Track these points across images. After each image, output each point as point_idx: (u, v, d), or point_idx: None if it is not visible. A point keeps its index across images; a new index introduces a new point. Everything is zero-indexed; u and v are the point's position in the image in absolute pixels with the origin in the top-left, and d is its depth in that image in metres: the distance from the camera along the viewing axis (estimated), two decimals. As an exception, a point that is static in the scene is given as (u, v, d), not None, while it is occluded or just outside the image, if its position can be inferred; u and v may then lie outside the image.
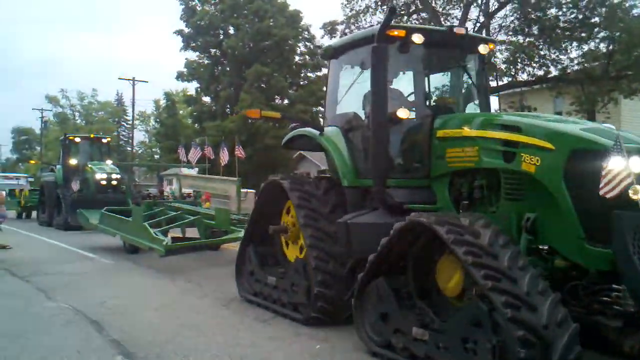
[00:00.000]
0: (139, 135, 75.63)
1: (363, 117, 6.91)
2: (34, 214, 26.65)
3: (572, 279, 4.79)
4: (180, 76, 40.49)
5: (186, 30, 40.11)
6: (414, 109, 6.85)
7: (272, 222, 7.67)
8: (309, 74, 39.92)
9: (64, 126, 73.33)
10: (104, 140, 25.44)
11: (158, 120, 48.34)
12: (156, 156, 67.54)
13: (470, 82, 7.17)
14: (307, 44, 39.40)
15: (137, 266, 11.38)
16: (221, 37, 39.62)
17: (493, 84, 25.55)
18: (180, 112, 47.27)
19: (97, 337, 6.20)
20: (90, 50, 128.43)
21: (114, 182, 21.39)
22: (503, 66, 23.67)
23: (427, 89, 7.06)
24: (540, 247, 5.10)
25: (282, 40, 37.48)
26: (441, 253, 5.03)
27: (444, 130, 6.00)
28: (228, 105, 39.45)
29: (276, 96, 38.58)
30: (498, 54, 24.16)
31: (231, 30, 40.10)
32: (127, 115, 78.64)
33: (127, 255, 12.71)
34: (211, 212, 12.25)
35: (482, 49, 6.75)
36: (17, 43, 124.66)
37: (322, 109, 39.99)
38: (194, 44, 40.11)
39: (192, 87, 50.21)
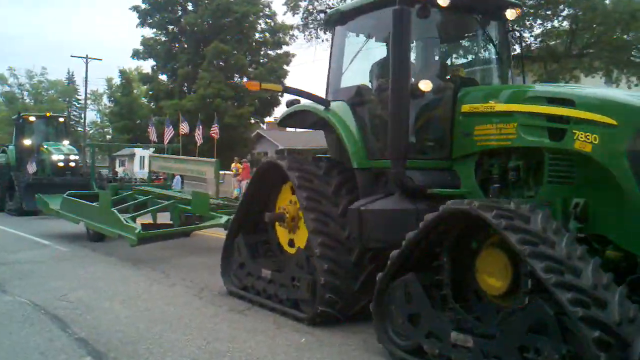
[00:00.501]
0: (91, 115, 73.40)
1: (373, 89, 6.31)
2: None
3: (624, 272, 4.15)
4: (136, 54, 39.13)
5: (143, 6, 38.64)
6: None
7: (266, 209, 7.01)
8: (269, 52, 39.09)
9: (12, 106, 70.28)
10: (60, 119, 23.94)
11: (112, 99, 46.76)
12: (108, 136, 65.66)
13: (491, 51, 6.57)
14: (268, 20, 38.51)
15: (97, 254, 10.74)
16: (179, 14, 38.34)
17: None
18: (135, 91, 45.81)
19: (61, 335, 5.65)
20: (40, 27, 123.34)
21: (72, 164, 20.27)
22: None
23: (445, 59, 6.48)
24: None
25: (243, 17, 36.51)
26: (482, 244, 4.45)
27: (471, 105, 5.39)
28: (185, 84, 38.34)
29: (235, 74, 37.69)
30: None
31: (190, 7, 38.86)
32: (78, 95, 76.16)
33: (85, 243, 12.02)
34: (186, 196, 11.35)
35: (509, 14, 6.10)
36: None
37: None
38: (150, 21, 38.72)
39: (147, 65, 48.82)
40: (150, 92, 38.69)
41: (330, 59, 6.84)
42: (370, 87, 6.37)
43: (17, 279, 8.38)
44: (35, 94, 72.92)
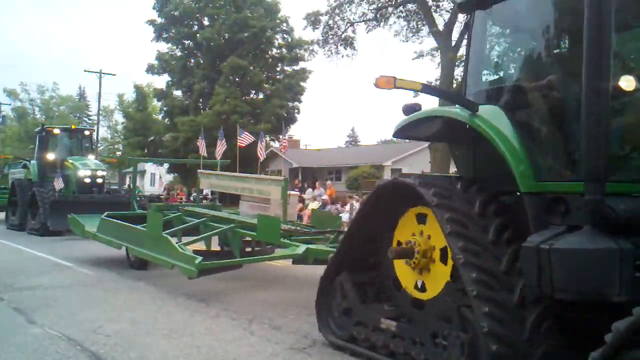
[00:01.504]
0: (101, 132, 72.97)
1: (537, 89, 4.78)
2: (0, 215, 24.05)
3: None
4: (150, 69, 38.62)
5: (159, 20, 38.25)
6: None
7: (378, 241, 5.74)
8: (285, 68, 38.55)
9: (22, 121, 70.15)
10: (86, 132, 22.39)
11: (124, 115, 46.27)
12: (118, 152, 65.22)
13: None
14: (285, 36, 38.01)
15: (124, 278, 9.95)
16: (195, 28, 37.89)
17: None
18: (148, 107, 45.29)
19: (105, 380, 4.89)
20: (53, 43, 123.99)
21: (99, 181, 18.87)
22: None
23: None
24: None
25: (261, 32, 36.01)
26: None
27: None
28: (201, 100, 37.79)
29: (252, 90, 37.12)
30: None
31: (206, 22, 38.43)
32: (89, 111, 75.85)
33: (109, 265, 11.26)
34: (249, 220, 9.57)
35: None
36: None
37: (298, 104, 38.27)
38: (166, 35, 38.28)
39: (162, 81, 48.40)
40: (165, 108, 38.13)
41: (468, 53, 5.57)
42: (531, 85, 4.84)
43: (44, 306, 7.61)
44: (46, 110, 72.63)
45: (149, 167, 54.04)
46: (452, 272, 4.84)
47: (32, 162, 20.64)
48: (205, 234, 9.76)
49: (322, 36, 30.28)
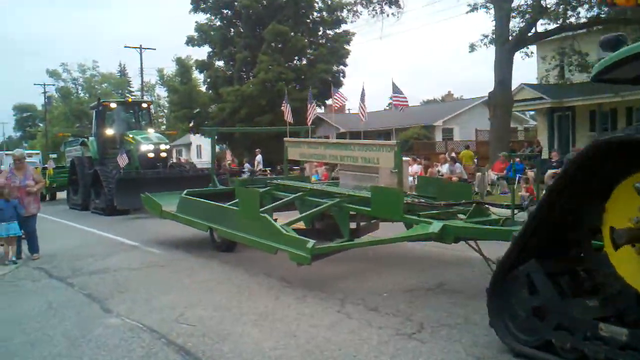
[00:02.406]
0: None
1: None
2: (59, 195, 23.81)
3: None
4: (190, 41, 37.89)
5: (195, -10, 37.37)
6: None
7: (583, 219, 4.36)
8: (327, 31, 37.33)
9: (67, 100, 71.08)
10: (144, 105, 20.97)
11: (167, 89, 45.98)
12: (162, 127, 65.48)
13: None
14: (325, -1, 36.72)
15: (195, 258, 9.41)
16: (233, -4, 36.97)
17: (541, 28, 23.44)
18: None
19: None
20: (91, 26, 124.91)
21: (163, 155, 17.61)
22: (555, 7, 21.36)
23: None
24: None
25: (300, -5, 34.88)
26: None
27: None
28: (244, 69, 37.04)
29: (294, 56, 36.12)
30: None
31: (243, -12, 37.40)
32: (131, 87, 76.32)
33: (177, 243, 10.81)
34: (359, 193, 8.13)
35: None
36: (17, 20, 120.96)
37: (344, 68, 37.18)
38: (204, 6, 37.43)
39: (202, 52, 47.89)
40: (208, 80, 37.55)
41: None
42: None
43: (116, 292, 7.13)
44: (89, 88, 73.35)
45: (195, 139, 53.79)
46: None
47: (90, 139, 19.81)
48: (309, 212, 8.19)
49: (366, -6, 28.93)
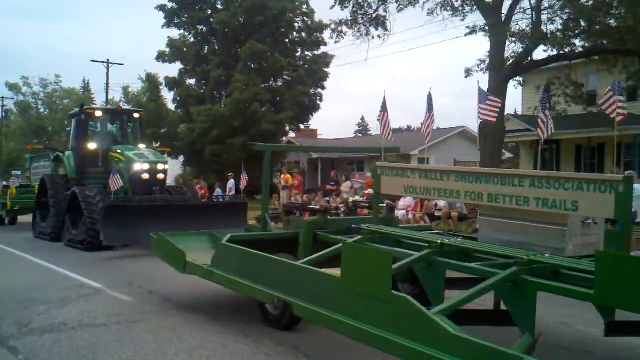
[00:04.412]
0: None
1: None
2: (20, 218, 20.58)
3: None
4: (161, 56, 36.15)
5: (169, 5, 35.71)
6: None
7: None
8: (306, 53, 36.06)
9: (26, 115, 67.81)
10: (135, 115, 17.20)
11: (132, 106, 43.82)
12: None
13: None
14: (306, 19, 35.47)
15: (175, 308, 7.61)
16: (209, 12, 35.39)
17: (539, 55, 22.53)
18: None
19: None
20: (56, 36, 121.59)
21: (160, 176, 14.49)
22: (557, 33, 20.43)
23: None
24: None
25: (280, 14, 33.50)
26: None
27: None
28: (217, 88, 35.36)
29: (271, 77, 34.64)
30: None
31: (219, 6, 35.93)
32: (93, 103, 73.36)
33: (149, 283, 8.95)
34: (553, 260, 4.87)
35: None
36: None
37: (321, 91, 35.74)
38: (178, 21, 35.79)
39: (173, 69, 46.09)
40: (179, 98, 35.70)
41: None
42: None
43: (77, 366, 5.27)
44: (50, 103, 70.26)
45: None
46: None
47: (66, 153, 16.34)
48: (475, 290, 4.48)
49: (351, 15, 27.74)
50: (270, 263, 5.94)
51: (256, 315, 6.81)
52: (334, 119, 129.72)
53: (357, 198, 19.68)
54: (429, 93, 9.87)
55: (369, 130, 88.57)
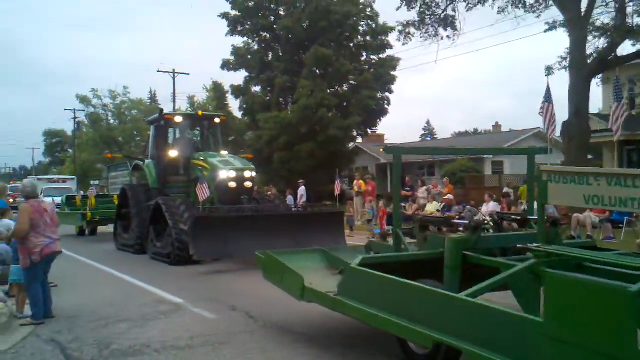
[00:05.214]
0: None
1: None
2: (100, 229, 20.14)
3: None
4: (226, 65, 36.15)
5: (232, 13, 35.73)
6: None
7: None
8: (371, 57, 35.26)
9: (96, 126, 69.96)
10: (216, 120, 16.21)
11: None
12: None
13: None
14: (370, 22, 34.71)
15: (261, 326, 7.01)
16: (272, 19, 35.16)
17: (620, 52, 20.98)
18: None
19: None
20: (125, 51, 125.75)
21: (248, 184, 13.45)
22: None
23: None
24: None
25: (344, 18, 32.87)
26: None
27: None
28: (282, 95, 35.04)
29: (337, 82, 33.98)
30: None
31: (282, 12, 35.67)
32: (162, 114, 74.84)
33: (231, 298, 8.41)
34: None
35: None
36: (48, 47, 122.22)
37: (389, 95, 34.58)
38: (241, 29, 35.75)
39: (239, 77, 46.30)
40: (244, 105, 35.62)
41: None
42: None
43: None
44: (119, 114, 72.26)
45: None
46: None
47: (146, 162, 15.68)
48: None
49: (419, 16, 26.81)
50: (427, 295, 4.58)
51: (353, 335, 6.09)
52: (398, 123, 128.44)
53: (434, 204, 18.75)
54: (547, 82, 8.50)
55: (435, 134, 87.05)
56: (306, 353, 5.79)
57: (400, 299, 4.81)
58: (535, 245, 5.07)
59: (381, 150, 6.03)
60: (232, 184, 13.15)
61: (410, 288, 4.76)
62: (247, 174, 13.43)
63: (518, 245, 5.34)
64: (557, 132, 9.51)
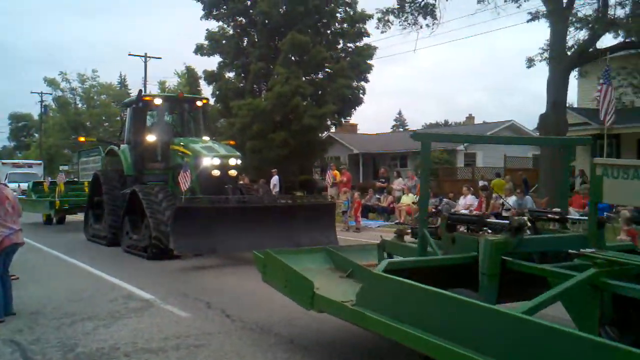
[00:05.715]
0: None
1: None
2: (68, 218, 19.55)
3: None
4: (199, 49, 35.23)
5: (207, -4, 34.80)
6: None
7: None
8: (348, 44, 34.76)
9: (63, 110, 68.15)
10: (198, 103, 15.04)
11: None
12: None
13: None
14: (348, 9, 34.17)
15: (239, 327, 6.61)
16: (248, 3, 34.36)
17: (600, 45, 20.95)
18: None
19: None
20: (97, 34, 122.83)
21: (232, 172, 12.42)
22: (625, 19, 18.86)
23: None
24: None
25: (322, 4, 32.32)
26: None
27: None
28: (257, 81, 34.33)
29: (312, 70, 33.41)
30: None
31: (258, -4, 34.92)
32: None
33: (206, 294, 7.98)
34: None
35: None
36: (16, 29, 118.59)
37: (364, 84, 34.05)
38: (216, 12, 34.85)
39: (211, 63, 45.36)
40: (217, 92, 34.81)
41: None
42: None
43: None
44: (87, 99, 70.48)
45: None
46: None
47: (122, 146, 14.60)
48: None
49: (398, 3, 26.44)
50: (486, 315, 3.51)
51: (339, 337, 5.74)
52: (369, 113, 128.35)
53: (410, 196, 18.49)
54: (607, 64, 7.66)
55: (407, 125, 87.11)
56: (288, 358, 5.41)
57: (442, 315, 3.79)
58: (589, 250, 4.45)
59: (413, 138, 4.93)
60: (216, 172, 12.14)
61: (462, 304, 3.70)
62: (232, 161, 12.43)
63: (570, 251, 4.68)
64: (613, 120, 8.54)
